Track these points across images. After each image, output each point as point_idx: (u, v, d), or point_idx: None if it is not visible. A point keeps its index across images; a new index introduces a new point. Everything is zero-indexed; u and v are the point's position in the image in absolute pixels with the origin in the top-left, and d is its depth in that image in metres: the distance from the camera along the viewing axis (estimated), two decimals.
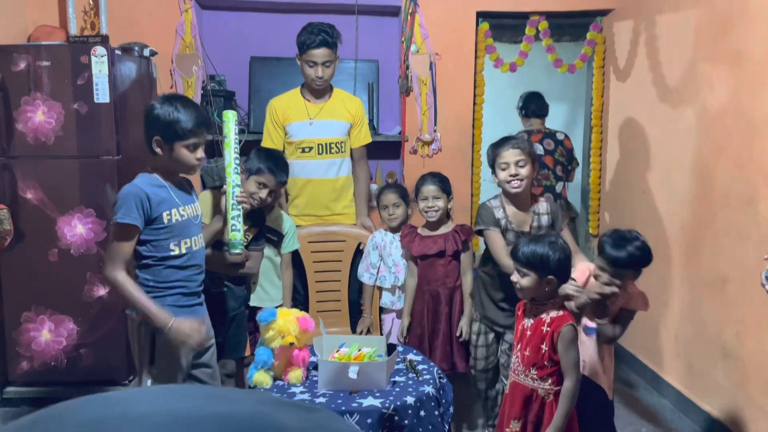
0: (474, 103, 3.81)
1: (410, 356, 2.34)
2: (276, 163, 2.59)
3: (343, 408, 1.94)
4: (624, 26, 3.66)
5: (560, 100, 4.81)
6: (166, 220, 2.03)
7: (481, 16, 3.76)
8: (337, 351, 2.21)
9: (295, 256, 2.93)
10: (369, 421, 1.91)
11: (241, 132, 2.33)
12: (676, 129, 3.11)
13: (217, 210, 2.42)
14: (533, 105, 3.86)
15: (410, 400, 2.00)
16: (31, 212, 2.95)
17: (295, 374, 2.14)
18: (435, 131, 3.74)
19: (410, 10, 3.64)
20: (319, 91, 3.04)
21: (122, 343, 3.03)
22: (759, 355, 2.54)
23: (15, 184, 2.94)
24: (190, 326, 2.03)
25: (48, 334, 3.01)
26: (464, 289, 2.74)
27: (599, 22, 3.89)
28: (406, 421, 1.96)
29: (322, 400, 2.02)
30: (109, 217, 2.97)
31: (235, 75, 3.75)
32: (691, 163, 2.99)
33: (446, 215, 2.81)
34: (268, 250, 2.73)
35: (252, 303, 2.69)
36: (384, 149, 3.80)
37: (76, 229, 2.97)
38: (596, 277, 2.20)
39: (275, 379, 2.16)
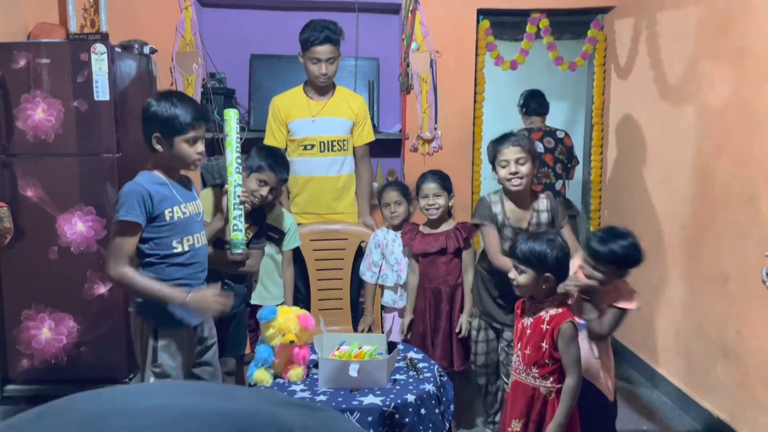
0: (474, 101, 3.80)
1: (411, 354, 2.34)
2: (276, 160, 2.59)
3: (344, 406, 1.94)
4: (625, 24, 3.66)
5: (561, 97, 4.80)
6: (168, 218, 2.03)
7: (482, 13, 3.75)
8: (338, 349, 2.21)
9: (297, 254, 2.93)
10: (369, 419, 1.91)
11: (241, 130, 2.33)
12: (677, 127, 3.11)
13: (218, 208, 2.42)
14: (534, 103, 3.86)
15: (411, 398, 2.00)
16: (31, 210, 2.94)
17: (296, 372, 2.14)
18: (435, 129, 3.73)
19: (411, 8, 3.64)
20: (322, 88, 3.03)
21: (122, 341, 3.03)
22: (760, 353, 2.54)
23: (15, 182, 2.94)
24: (207, 296, 2.06)
25: (48, 332, 3.01)
26: (465, 286, 2.74)
27: (600, 20, 3.88)
28: (407, 419, 1.96)
29: (322, 398, 2.02)
30: (109, 215, 2.96)
31: (236, 73, 3.74)
32: (692, 161, 2.98)
33: (448, 213, 2.81)
34: (270, 248, 2.73)
35: (253, 301, 2.69)
36: (384, 147, 3.80)
37: (76, 227, 2.97)
38: (581, 269, 2.20)
39: (275, 376, 2.16)
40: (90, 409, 0.46)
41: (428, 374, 2.18)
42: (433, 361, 2.33)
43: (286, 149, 3.07)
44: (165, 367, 2.05)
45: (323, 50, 2.91)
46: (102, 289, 3.00)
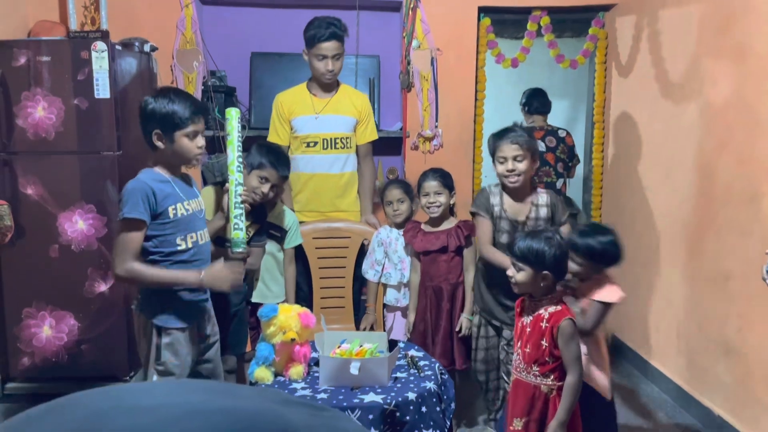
0: (475, 99, 3.80)
1: (411, 352, 2.34)
2: (277, 157, 2.59)
3: (345, 404, 1.94)
4: (626, 21, 3.65)
5: (562, 95, 4.80)
6: (171, 215, 2.03)
7: (483, 11, 3.75)
8: (339, 347, 2.21)
9: (299, 252, 2.93)
10: (370, 417, 1.91)
11: (242, 128, 2.33)
12: (679, 125, 3.10)
13: (219, 207, 2.42)
14: (536, 102, 3.86)
15: (412, 396, 1.99)
16: (32, 208, 2.94)
17: (296, 370, 2.14)
18: (436, 127, 3.73)
19: (411, 6, 3.63)
20: (327, 85, 3.03)
21: (123, 339, 3.03)
22: (761, 351, 2.53)
23: (15, 180, 2.94)
24: (219, 270, 2.08)
25: (49, 330, 3.01)
26: (466, 284, 2.74)
27: (601, 18, 3.87)
28: (408, 417, 1.96)
29: (323, 396, 2.02)
30: (110, 212, 2.96)
31: (236, 71, 3.74)
32: (694, 159, 2.98)
33: (450, 211, 2.81)
34: (271, 246, 2.73)
35: (254, 299, 2.69)
36: (385, 145, 3.79)
37: (77, 225, 2.96)
38: None
39: (276, 374, 2.16)
40: (94, 407, 0.46)
41: (429, 372, 2.17)
42: (434, 359, 2.33)
43: (289, 146, 3.07)
44: (168, 364, 2.05)
45: (329, 47, 2.91)
46: (103, 287, 3.00)
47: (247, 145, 2.70)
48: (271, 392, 0.55)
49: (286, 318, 2.13)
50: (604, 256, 2.17)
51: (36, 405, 0.49)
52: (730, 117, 2.72)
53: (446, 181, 2.75)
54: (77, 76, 2.90)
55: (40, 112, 2.91)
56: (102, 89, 2.91)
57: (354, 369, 2.03)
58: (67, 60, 2.90)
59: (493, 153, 2.57)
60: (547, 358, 1.99)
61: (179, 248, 2.05)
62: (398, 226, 2.90)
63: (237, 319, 2.57)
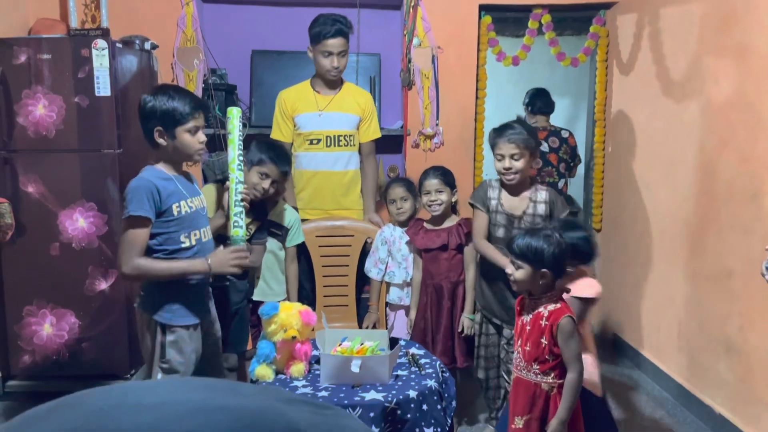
0: (476, 97, 3.79)
1: (412, 350, 2.34)
2: (277, 152, 2.58)
3: (346, 402, 1.94)
4: (627, 19, 3.64)
5: (563, 93, 4.80)
6: (175, 212, 2.03)
7: (484, 9, 3.74)
8: (340, 345, 2.21)
9: (302, 251, 2.92)
10: (371, 415, 1.91)
11: (243, 126, 2.33)
12: (680, 123, 3.10)
13: (220, 204, 2.42)
14: (539, 102, 3.87)
15: (413, 394, 1.99)
16: (33, 206, 2.94)
17: (297, 368, 2.14)
18: (437, 125, 3.73)
19: (412, 3, 3.62)
20: (331, 82, 3.03)
21: (124, 337, 3.03)
22: (762, 350, 2.53)
23: (16, 178, 2.94)
24: (224, 256, 2.09)
25: (50, 328, 3.01)
26: (467, 283, 2.74)
27: (602, 16, 3.87)
28: (409, 415, 1.96)
29: (324, 393, 2.02)
30: (110, 210, 2.97)
31: (237, 69, 3.74)
32: (695, 157, 2.97)
33: (452, 209, 2.81)
34: (272, 245, 2.72)
35: (255, 297, 2.69)
36: (386, 143, 3.79)
37: (78, 223, 2.96)
38: None
39: (277, 372, 2.16)
40: (98, 405, 0.46)
41: (430, 370, 2.17)
42: (434, 357, 2.32)
43: (292, 144, 3.07)
44: (173, 362, 2.05)
45: (335, 43, 2.91)
46: (103, 285, 3.00)
47: (247, 143, 2.70)
48: (273, 390, 0.55)
49: (287, 316, 2.13)
50: (575, 252, 2.14)
51: (36, 403, 0.49)
52: (731, 115, 2.72)
53: (447, 179, 2.75)
54: (78, 73, 2.90)
55: (40, 110, 2.90)
56: (102, 87, 2.91)
57: (355, 367, 2.03)
58: (68, 58, 2.90)
59: (493, 147, 2.58)
60: (547, 356, 1.99)
61: (183, 246, 2.06)
62: (401, 224, 2.90)
63: (238, 317, 2.57)
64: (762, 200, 2.51)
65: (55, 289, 2.99)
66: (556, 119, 4.02)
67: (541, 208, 2.55)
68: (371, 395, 1.97)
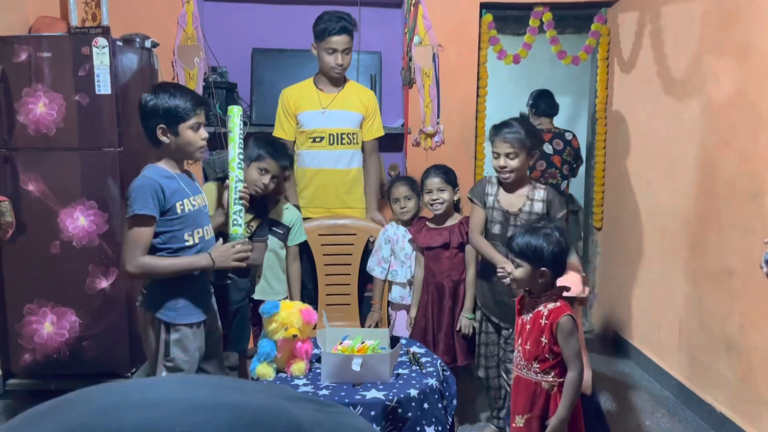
0: (477, 95, 3.79)
1: (413, 349, 2.34)
2: (275, 147, 2.58)
3: (347, 400, 1.94)
4: (629, 18, 3.64)
5: (564, 92, 4.79)
6: (179, 211, 2.03)
7: (485, 7, 3.74)
8: (341, 343, 2.21)
9: (305, 250, 2.92)
10: (372, 413, 1.91)
11: (243, 125, 2.33)
12: (681, 121, 3.10)
13: (220, 203, 2.42)
14: (543, 104, 3.89)
15: (413, 392, 1.99)
16: (33, 204, 2.94)
17: (298, 366, 2.14)
18: (438, 123, 3.72)
19: (413, 1, 3.62)
20: (334, 80, 3.03)
21: (124, 335, 3.03)
22: (763, 348, 2.53)
23: (17, 176, 2.93)
24: (226, 249, 2.10)
25: (50, 327, 3.01)
26: (467, 281, 2.73)
27: (604, 14, 3.86)
28: (410, 414, 1.96)
29: (325, 392, 2.02)
30: (111, 209, 2.96)
31: (237, 67, 3.73)
32: (696, 156, 2.97)
33: (455, 208, 2.80)
34: (273, 244, 2.72)
35: (256, 296, 2.69)
36: (387, 142, 3.78)
37: (78, 221, 2.96)
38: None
39: (278, 371, 2.16)
40: (101, 402, 0.46)
41: (431, 369, 2.17)
42: (435, 356, 2.32)
43: (294, 142, 3.07)
44: (177, 361, 2.05)
45: (339, 40, 2.92)
46: (104, 283, 3.00)
47: (246, 141, 2.70)
48: (276, 388, 0.55)
49: (288, 314, 2.13)
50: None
51: (37, 402, 0.49)
52: (732, 114, 2.71)
53: (449, 177, 2.75)
54: (78, 72, 2.90)
55: (41, 108, 2.90)
56: (103, 85, 2.91)
57: (356, 365, 2.03)
58: (68, 56, 2.89)
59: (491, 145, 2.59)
60: (547, 355, 1.99)
61: (187, 244, 2.06)
62: (405, 223, 2.90)
63: (239, 315, 2.57)
64: (763, 199, 2.51)
65: (55, 288, 2.99)
66: (557, 118, 4.02)
67: (538, 207, 2.54)
68: (372, 394, 1.97)
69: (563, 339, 1.95)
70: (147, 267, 1.99)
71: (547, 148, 3.73)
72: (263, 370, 2.12)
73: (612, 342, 3.86)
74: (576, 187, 4.15)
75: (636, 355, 3.58)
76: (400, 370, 2.15)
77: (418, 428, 1.97)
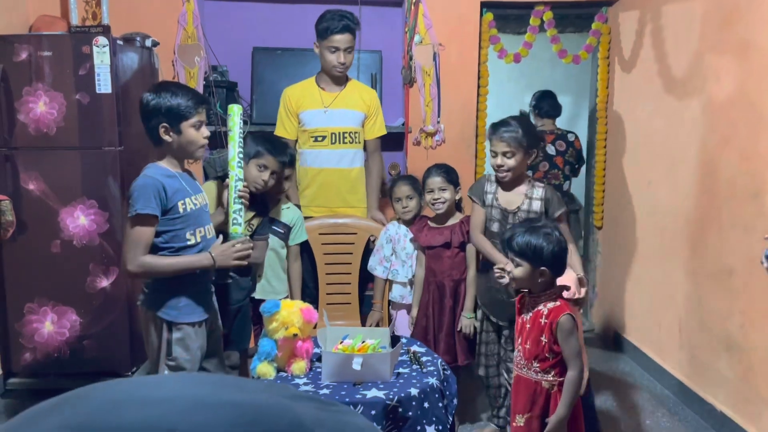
0: (478, 94, 3.79)
1: (414, 348, 2.34)
2: (274, 144, 2.58)
3: (347, 400, 1.94)
4: (629, 17, 3.64)
5: (565, 91, 4.79)
6: (181, 210, 2.03)
7: (486, 6, 3.73)
8: (341, 342, 2.21)
9: (306, 250, 2.92)
10: (373, 412, 1.91)
11: (243, 123, 2.33)
12: (682, 120, 3.09)
13: (220, 202, 2.42)
14: (546, 105, 3.90)
15: (414, 391, 1.99)
16: (34, 203, 2.94)
17: (299, 365, 2.14)
18: (438, 122, 3.72)
19: (414, 0, 3.61)
20: (336, 79, 3.03)
21: (125, 334, 3.03)
22: (763, 348, 2.53)
23: (17, 176, 2.94)
24: (226, 248, 2.10)
25: (51, 326, 3.01)
26: (468, 281, 2.73)
27: (604, 13, 3.86)
28: (410, 413, 1.96)
29: (325, 391, 2.02)
30: (111, 208, 2.96)
31: (238, 66, 3.73)
32: (697, 155, 2.97)
33: (456, 207, 2.80)
34: (274, 243, 2.72)
35: (257, 295, 2.68)
36: (387, 141, 3.77)
37: (79, 220, 2.96)
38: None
39: (278, 370, 2.16)
40: (104, 399, 0.47)
41: (432, 368, 2.17)
42: (436, 355, 2.32)
43: (296, 141, 3.06)
44: (179, 360, 2.05)
45: (342, 39, 2.92)
46: (104, 282, 3.00)
47: (245, 139, 2.70)
48: (278, 386, 0.55)
49: (289, 313, 2.13)
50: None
51: (37, 401, 0.50)
52: (733, 113, 2.71)
53: (450, 176, 2.75)
54: (78, 71, 2.89)
55: (41, 107, 2.90)
56: (103, 84, 2.90)
57: (356, 365, 2.03)
58: (69, 55, 2.89)
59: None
60: (547, 354, 1.99)
61: (189, 243, 2.06)
62: (407, 222, 2.90)
63: (240, 315, 2.57)
64: (763, 198, 2.51)
65: (56, 287, 2.99)
66: (559, 118, 4.02)
67: (536, 205, 2.54)
68: (372, 393, 1.97)
69: (563, 338, 1.95)
70: (148, 266, 1.99)
71: (550, 150, 3.74)
72: (264, 369, 2.12)
73: (612, 341, 3.86)
74: (576, 186, 4.15)
75: (636, 354, 3.58)
76: (401, 370, 2.15)
77: (418, 427, 1.97)
